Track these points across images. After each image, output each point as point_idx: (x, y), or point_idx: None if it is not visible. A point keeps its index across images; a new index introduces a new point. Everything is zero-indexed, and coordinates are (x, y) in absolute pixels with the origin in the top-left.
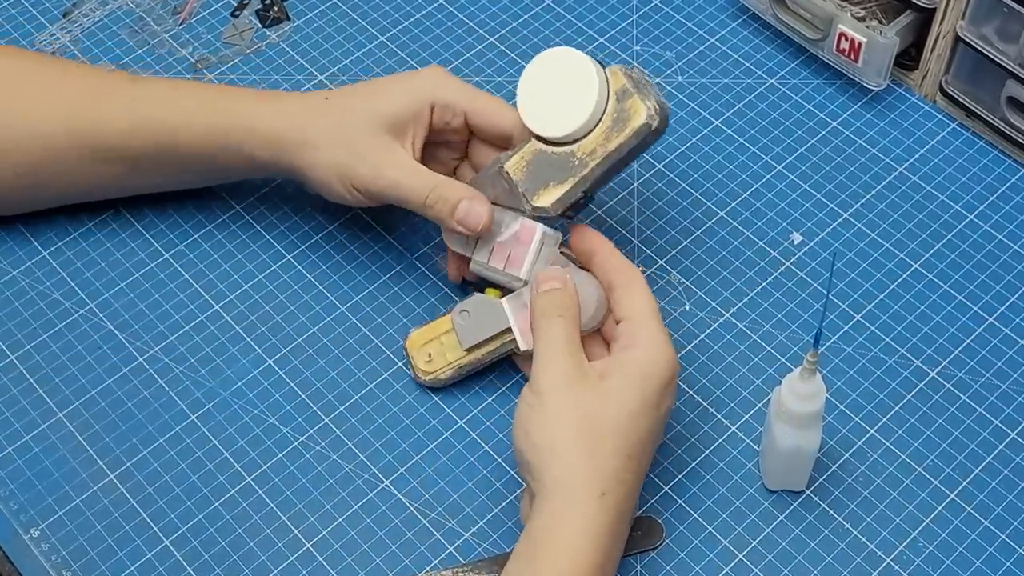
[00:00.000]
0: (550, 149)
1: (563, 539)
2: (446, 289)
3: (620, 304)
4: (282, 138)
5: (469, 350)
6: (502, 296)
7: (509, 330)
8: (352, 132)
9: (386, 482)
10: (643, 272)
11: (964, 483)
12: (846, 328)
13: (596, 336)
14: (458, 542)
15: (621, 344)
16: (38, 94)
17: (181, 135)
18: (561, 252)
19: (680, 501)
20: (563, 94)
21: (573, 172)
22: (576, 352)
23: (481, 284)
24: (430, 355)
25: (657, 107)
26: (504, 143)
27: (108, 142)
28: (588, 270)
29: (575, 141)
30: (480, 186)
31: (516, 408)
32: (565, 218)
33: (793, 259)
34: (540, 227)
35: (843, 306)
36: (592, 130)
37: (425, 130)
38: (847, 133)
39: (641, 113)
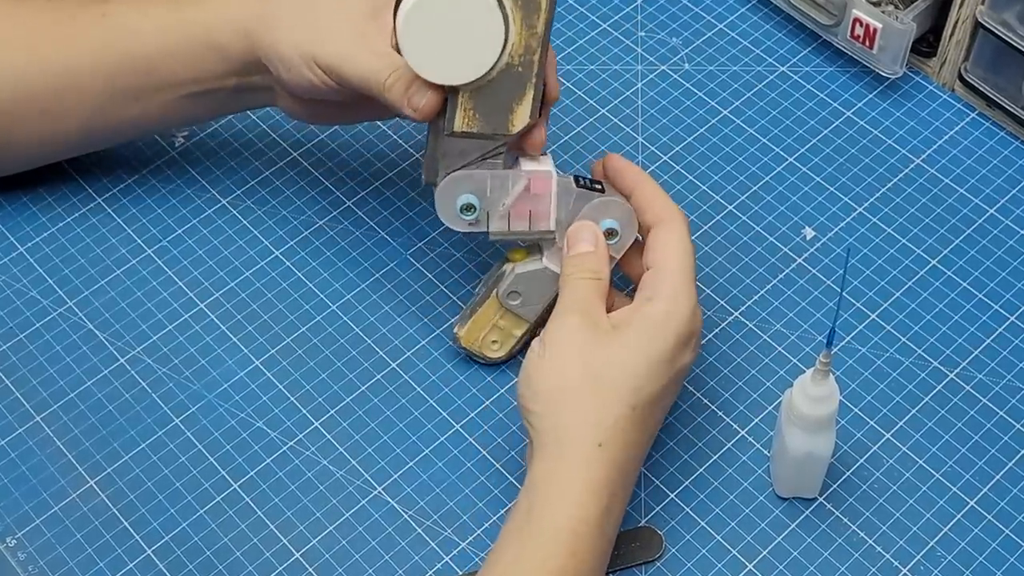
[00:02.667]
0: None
1: (559, 489)
2: (441, 287)
3: (649, 249)
4: (249, 17)
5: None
6: (526, 253)
7: None
8: (320, 10)
9: (379, 489)
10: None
11: (984, 489)
12: (861, 327)
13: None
14: (454, 552)
15: (642, 295)
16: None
17: (151, 39)
18: (579, 186)
19: (687, 508)
20: (458, 32)
21: (525, 78)
22: (593, 309)
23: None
24: (496, 341)
25: None
26: None
27: (79, 60)
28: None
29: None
30: (454, 164)
31: (524, 359)
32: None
33: (805, 255)
34: (553, 175)
35: (857, 304)
36: (507, 37)
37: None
38: (862, 123)
39: None
